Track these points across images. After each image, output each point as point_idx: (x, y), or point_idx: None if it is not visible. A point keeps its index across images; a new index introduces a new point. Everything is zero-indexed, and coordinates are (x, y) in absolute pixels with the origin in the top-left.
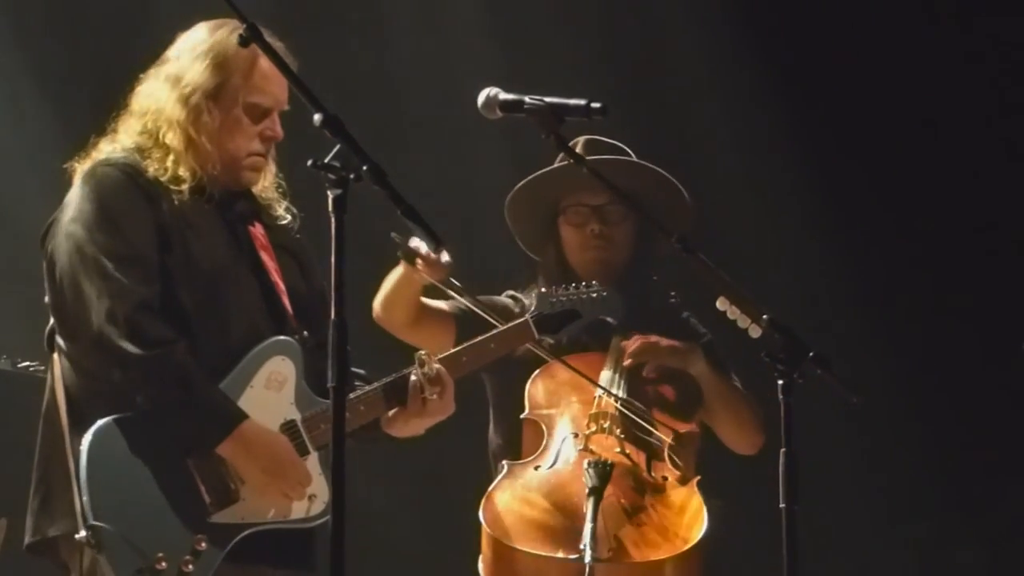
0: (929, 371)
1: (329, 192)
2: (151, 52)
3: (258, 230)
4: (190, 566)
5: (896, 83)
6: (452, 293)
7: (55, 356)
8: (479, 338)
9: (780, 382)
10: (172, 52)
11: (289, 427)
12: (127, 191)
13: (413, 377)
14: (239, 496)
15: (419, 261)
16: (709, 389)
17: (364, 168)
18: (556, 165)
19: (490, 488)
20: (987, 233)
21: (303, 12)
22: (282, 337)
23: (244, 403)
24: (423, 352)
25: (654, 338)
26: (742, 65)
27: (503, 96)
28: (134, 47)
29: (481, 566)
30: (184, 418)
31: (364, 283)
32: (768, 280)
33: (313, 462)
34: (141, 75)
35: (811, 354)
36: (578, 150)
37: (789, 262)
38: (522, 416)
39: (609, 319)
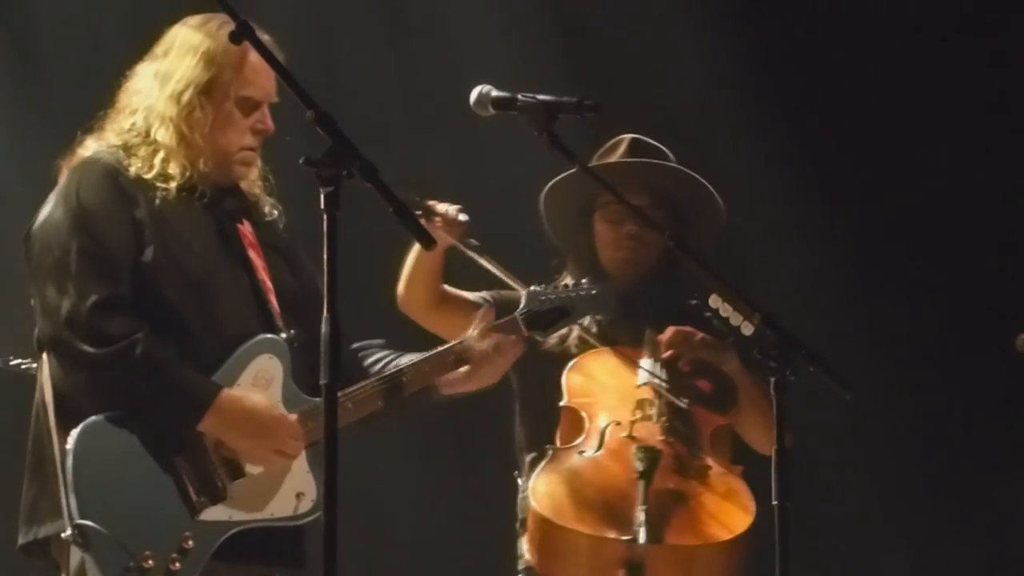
0: (925, 367)
1: (321, 190)
2: (141, 47)
3: (246, 228)
4: (177, 564)
5: (894, 82)
6: (471, 253)
7: (44, 354)
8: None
9: (772, 379)
10: (161, 48)
11: None
12: (105, 190)
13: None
14: (227, 494)
15: (436, 218)
16: (741, 387)
17: (356, 165)
18: (597, 163)
19: (536, 471)
20: (984, 230)
21: (306, 10)
22: (269, 335)
23: None
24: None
25: (689, 329)
26: (741, 65)
27: (495, 93)
28: (128, 42)
29: (527, 546)
30: (161, 405)
31: (360, 280)
32: (764, 278)
33: (301, 460)
34: (128, 71)
35: (804, 351)
36: (622, 148)
37: (784, 260)
38: (561, 404)
39: (600, 317)
